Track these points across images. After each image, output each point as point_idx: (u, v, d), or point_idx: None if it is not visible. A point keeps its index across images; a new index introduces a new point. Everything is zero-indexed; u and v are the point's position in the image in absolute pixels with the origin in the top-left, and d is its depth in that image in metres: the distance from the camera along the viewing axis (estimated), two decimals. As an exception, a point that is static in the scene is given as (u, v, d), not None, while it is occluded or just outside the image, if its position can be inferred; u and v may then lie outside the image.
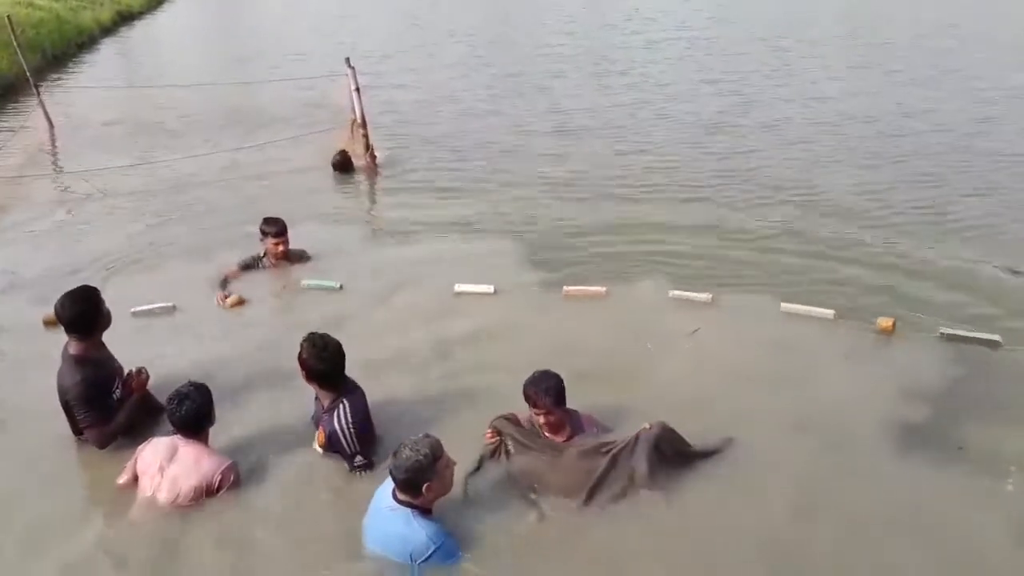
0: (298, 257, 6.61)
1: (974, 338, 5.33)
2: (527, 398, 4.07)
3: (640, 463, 3.89)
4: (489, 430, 4.17)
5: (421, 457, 3.46)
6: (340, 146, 9.46)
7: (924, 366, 5.05)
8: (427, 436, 3.59)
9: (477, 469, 4.07)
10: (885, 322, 5.48)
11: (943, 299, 6.00)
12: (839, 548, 3.63)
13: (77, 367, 4.21)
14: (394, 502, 3.56)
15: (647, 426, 3.98)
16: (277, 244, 6.42)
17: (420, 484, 3.48)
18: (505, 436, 4.12)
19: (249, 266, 6.46)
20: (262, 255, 6.49)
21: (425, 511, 3.57)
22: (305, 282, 6.22)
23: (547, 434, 4.10)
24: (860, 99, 12.58)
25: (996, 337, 5.32)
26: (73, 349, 4.26)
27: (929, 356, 5.16)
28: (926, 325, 5.53)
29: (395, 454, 3.52)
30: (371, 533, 3.61)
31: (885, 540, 3.67)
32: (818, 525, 3.77)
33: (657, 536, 3.72)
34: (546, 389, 4.00)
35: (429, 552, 3.46)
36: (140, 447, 4.06)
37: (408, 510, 3.53)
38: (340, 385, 4.13)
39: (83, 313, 4.22)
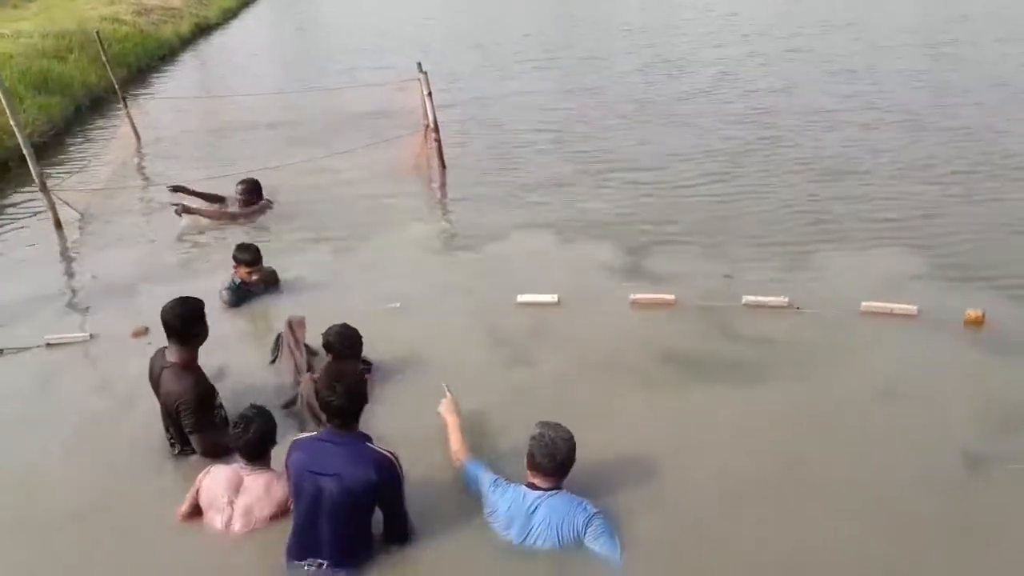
0: (272, 282, 6.49)
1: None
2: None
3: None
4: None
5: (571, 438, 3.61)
6: (414, 151, 9.50)
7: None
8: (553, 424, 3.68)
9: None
10: (974, 313, 5.38)
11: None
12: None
13: (185, 373, 4.20)
14: (540, 492, 3.57)
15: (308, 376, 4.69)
16: (250, 273, 6.27)
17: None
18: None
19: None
20: (237, 283, 6.27)
21: None
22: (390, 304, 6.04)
23: None
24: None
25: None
26: (174, 356, 4.23)
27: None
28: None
29: (541, 442, 3.55)
30: (542, 531, 3.53)
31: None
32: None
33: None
34: (329, 343, 4.73)
35: (596, 519, 3.56)
36: (199, 476, 3.98)
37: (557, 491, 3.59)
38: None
39: (191, 317, 4.22)
